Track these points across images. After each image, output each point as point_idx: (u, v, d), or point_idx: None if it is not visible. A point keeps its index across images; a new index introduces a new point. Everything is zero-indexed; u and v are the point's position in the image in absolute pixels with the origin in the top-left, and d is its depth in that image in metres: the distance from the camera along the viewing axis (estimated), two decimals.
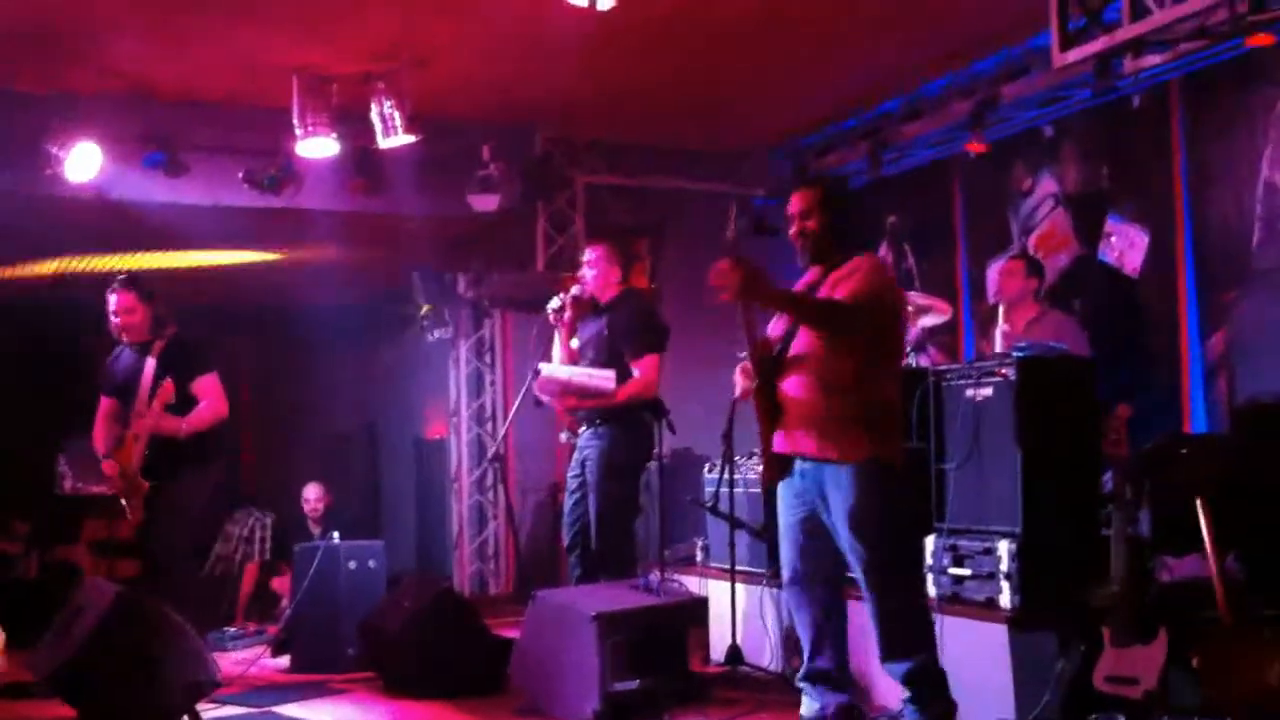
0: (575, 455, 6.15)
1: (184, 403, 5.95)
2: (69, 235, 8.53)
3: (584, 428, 6.10)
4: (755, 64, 7.56)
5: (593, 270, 6.18)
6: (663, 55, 7.35)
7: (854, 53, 7.38)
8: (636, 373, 5.96)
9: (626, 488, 5.99)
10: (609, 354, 6.04)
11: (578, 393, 5.98)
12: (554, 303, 6.16)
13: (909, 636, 4.29)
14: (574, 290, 6.16)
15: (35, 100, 7.47)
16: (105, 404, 6.22)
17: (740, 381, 4.59)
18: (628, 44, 6.97)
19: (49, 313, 10.34)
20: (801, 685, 4.52)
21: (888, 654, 4.31)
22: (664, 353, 6.13)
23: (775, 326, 4.52)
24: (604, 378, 5.90)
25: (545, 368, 6.04)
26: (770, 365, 4.43)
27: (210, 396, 6.06)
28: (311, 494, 8.69)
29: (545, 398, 6.10)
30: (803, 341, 4.37)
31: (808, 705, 4.48)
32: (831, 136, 9.02)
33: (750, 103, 8.38)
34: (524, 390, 6.39)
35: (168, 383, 5.84)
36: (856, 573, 4.32)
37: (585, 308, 6.21)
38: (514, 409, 7.01)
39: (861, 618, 4.44)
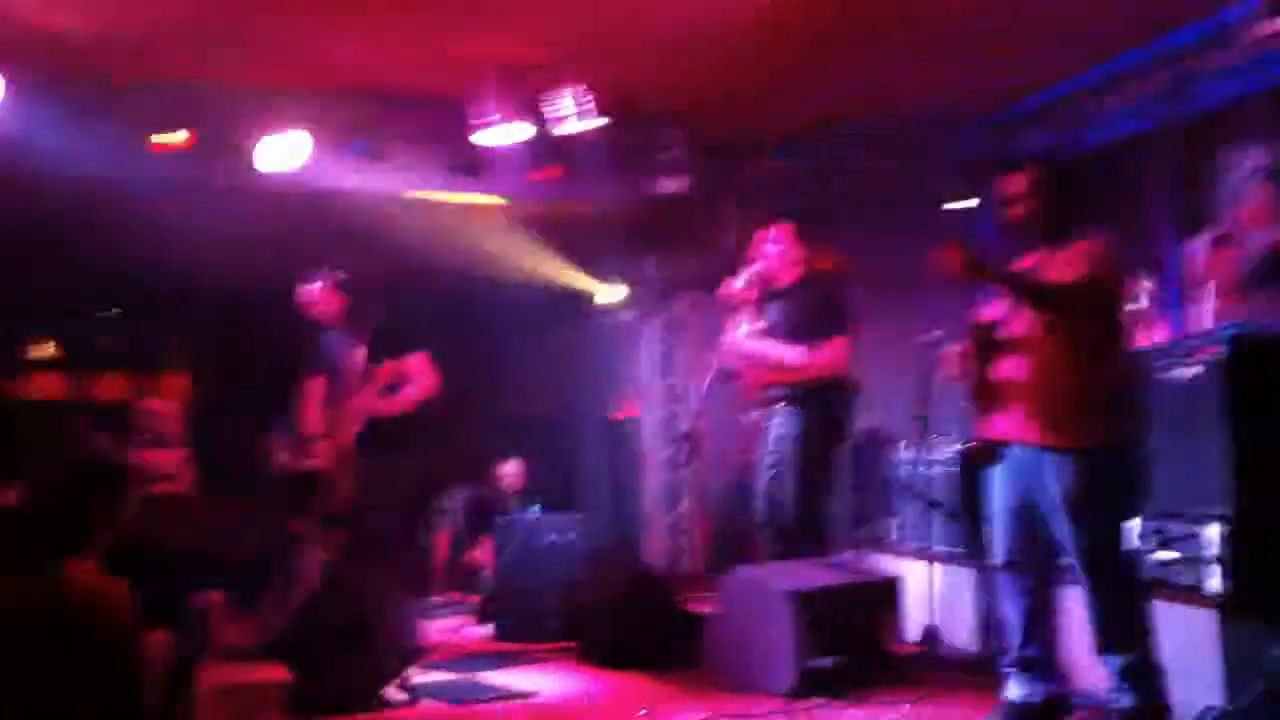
0: (768, 433, 6.18)
1: (393, 384, 6.19)
2: (272, 224, 8.90)
3: (777, 406, 6.13)
4: (943, 42, 7.43)
5: (775, 249, 6.19)
6: (847, 32, 7.28)
7: (1047, 26, 7.20)
8: (813, 352, 5.95)
9: (821, 466, 6.00)
10: (794, 337, 6.05)
11: (763, 364, 6.01)
12: (737, 282, 6.20)
13: (1126, 630, 4.19)
14: (755, 268, 6.18)
15: (247, 95, 7.80)
16: (315, 386, 6.51)
17: (949, 363, 4.56)
18: (813, 24, 6.94)
19: (254, 294, 10.83)
20: (1008, 671, 4.47)
21: (1103, 646, 4.21)
22: (850, 336, 6.10)
23: (993, 309, 4.46)
24: (792, 353, 5.93)
25: (736, 339, 6.08)
26: (988, 348, 4.39)
27: (419, 374, 6.30)
28: (510, 469, 8.94)
29: (733, 367, 6.14)
30: (1022, 324, 4.30)
31: (1015, 690, 4.43)
32: (1022, 113, 8.81)
33: (937, 81, 8.25)
34: (713, 368, 6.45)
35: (382, 366, 6.09)
36: (1073, 561, 4.24)
37: (767, 287, 6.22)
38: (703, 387, 7.06)
39: (1070, 602, 4.38)
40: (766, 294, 6.25)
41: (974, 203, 4.60)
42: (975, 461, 4.52)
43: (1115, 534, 4.27)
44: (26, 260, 10.29)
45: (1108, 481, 4.20)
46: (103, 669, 3.35)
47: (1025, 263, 4.45)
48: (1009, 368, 4.33)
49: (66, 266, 10.63)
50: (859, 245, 9.23)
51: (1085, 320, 4.20)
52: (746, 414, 6.47)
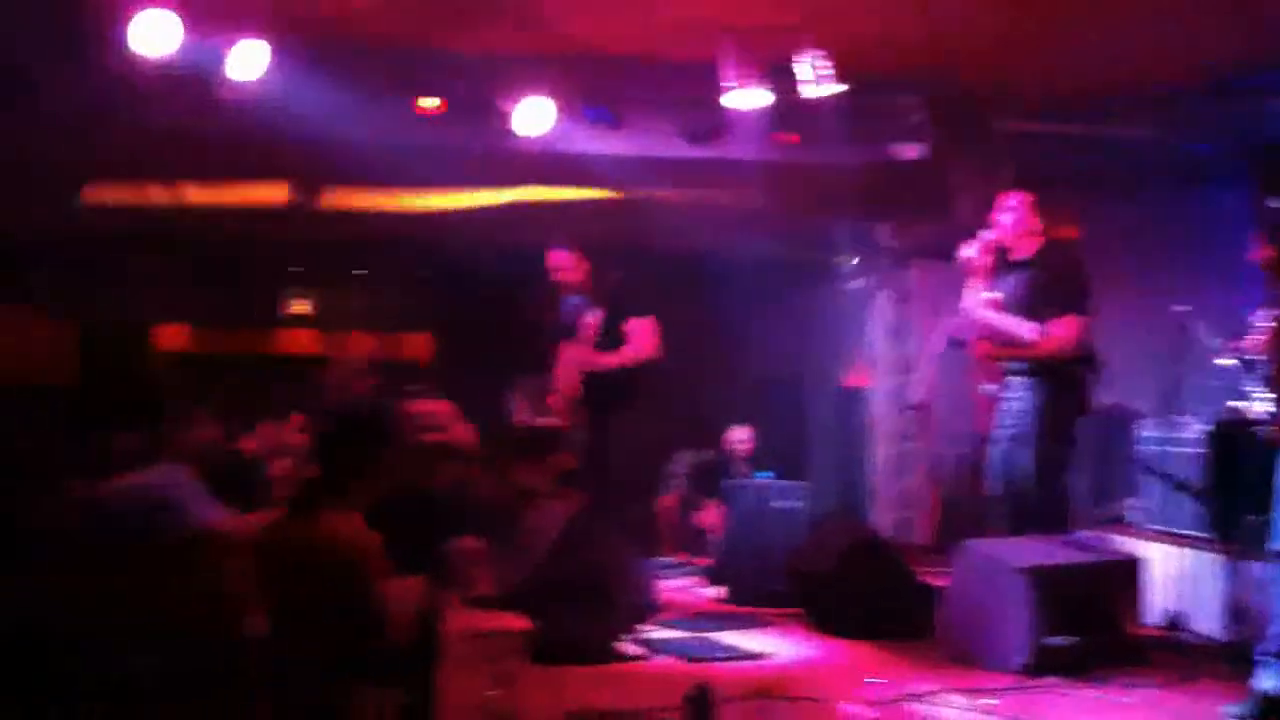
0: (1003, 406, 6.07)
1: (620, 343, 6.36)
2: (519, 185, 9.16)
3: (1013, 380, 6.01)
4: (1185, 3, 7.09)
5: (1011, 218, 6.05)
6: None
7: None
8: (1051, 327, 5.81)
9: (1061, 442, 5.86)
10: (1029, 310, 5.89)
11: (997, 337, 5.90)
12: (968, 250, 6.09)
13: None
14: (989, 235, 6.06)
15: (492, 61, 8.03)
16: (560, 346, 6.73)
17: (1259, 348, 4.46)
18: None
19: (500, 258, 11.16)
20: (1262, 659, 4.32)
21: None
22: (1086, 314, 5.93)
23: None
24: (1028, 328, 5.80)
25: (971, 309, 5.98)
26: None
27: (640, 337, 6.44)
28: (739, 435, 9.02)
29: (964, 337, 6.04)
30: None
31: (1268, 680, 4.27)
32: (1270, 78, 8.33)
33: (1181, 44, 7.87)
34: (937, 334, 6.38)
35: (590, 320, 6.27)
36: None
37: (1001, 257, 6.10)
38: (932, 355, 7.01)
39: None
40: (1002, 264, 6.13)
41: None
42: (1271, 445, 4.39)
43: None
44: (282, 221, 10.85)
45: None
46: (346, 612, 3.53)
47: None
48: None
49: (320, 227, 11.17)
50: (1107, 216, 8.98)
51: None
52: (980, 386, 6.36)
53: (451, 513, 3.83)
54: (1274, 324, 4.40)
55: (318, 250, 12.85)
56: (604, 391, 6.39)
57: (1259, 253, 4.14)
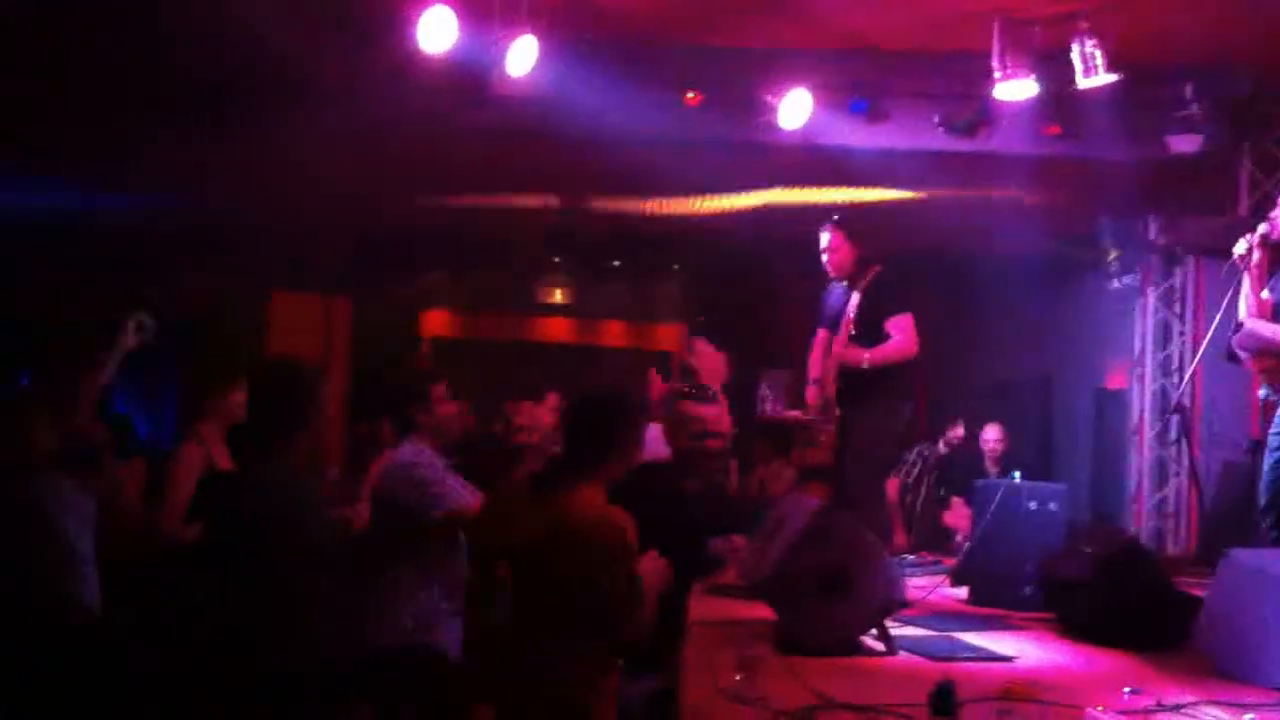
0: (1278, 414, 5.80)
1: (877, 338, 6.31)
2: (778, 175, 9.23)
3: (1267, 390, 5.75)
4: None
5: None
6: None
7: None
8: None
9: None
10: None
11: (1273, 350, 5.61)
12: (1240, 246, 5.79)
13: None
14: (1262, 229, 5.74)
15: (752, 54, 8.11)
16: (820, 335, 6.74)
17: None
18: None
19: (755, 253, 11.26)
20: None
21: None
22: None
23: None
24: None
25: (1249, 322, 5.72)
26: None
27: (901, 334, 6.37)
28: (991, 434, 8.88)
29: (1243, 354, 5.78)
30: None
31: None
32: None
33: None
34: (1207, 339, 6.11)
35: (848, 315, 6.23)
36: None
37: (1275, 252, 5.79)
38: (1197, 359, 6.73)
39: None
40: (1274, 258, 5.83)
41: None
42: None
43: None
44: (546, 213, 11.22)
45: None
46: (589, 587, 3.62)
47: None
48: None
49: (580, 217, 11.50)
50: None
51: None
52: (1254, 390, 6.09)
53: (708, 512, 3.92)
54: None
55: (577, 241, 13.23)
56: (861, 386, 6.37)
57: None
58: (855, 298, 6.42)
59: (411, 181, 10.24)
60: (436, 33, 6.79)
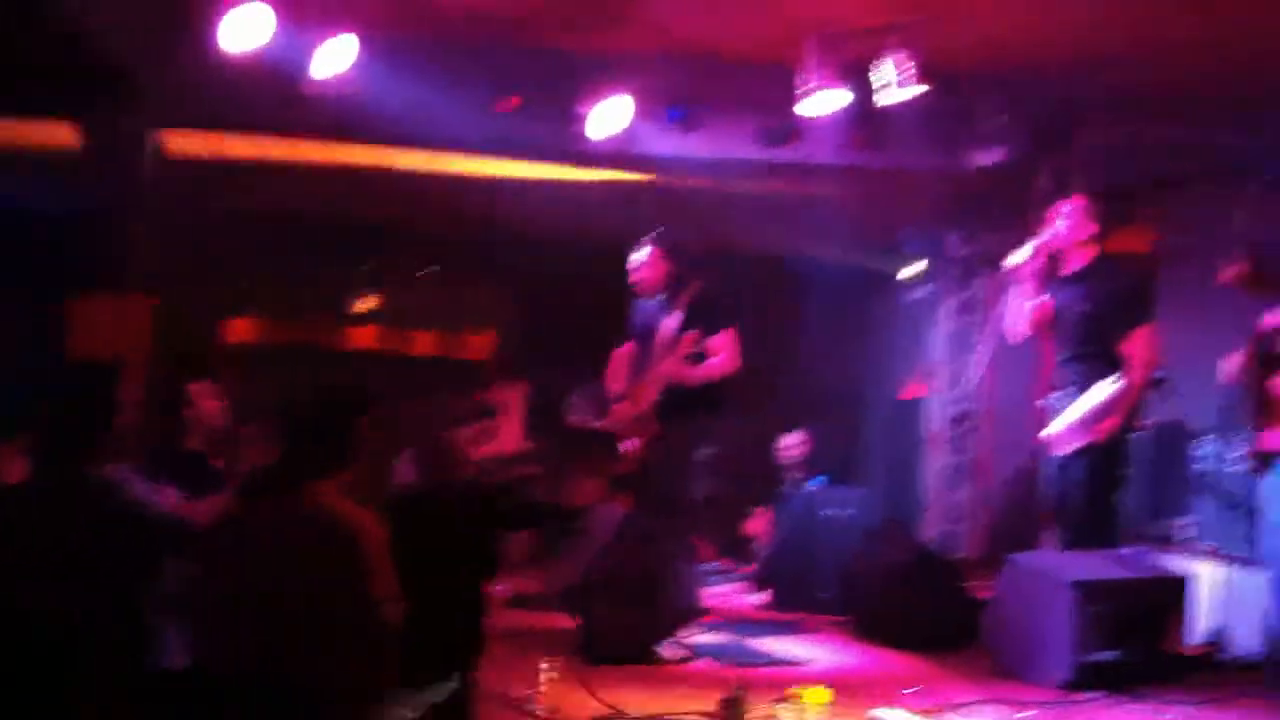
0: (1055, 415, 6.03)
1: (699, 354, 6.38)
2: (590, 185, 9.23)
3: (1071, 392, 5.96)
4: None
5: (1066, 223, 5.93)
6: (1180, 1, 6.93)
7: None
8: (1133, 352, 5.70)
9: (1113, 459, 5.82)
10: (1093, 327, 5.83)
11: (1097, 418, 5.77)
12: (1021, 253, 6.02)
13: None
14: (1042, 238, 5.96)
15: (572, 59, 8.08)
16: (624, 352, 6.75)
17: (1228, 368, 4.41)
18: None
19: (569, 256, 11.26)
20: None
21: None
22: (1153, 322, 5.86)
23: (1275, 317, 4.27)
24: (1110, 389, 5.64)
25: (1053, 427, 5.87)
26: (1265, 359, 4.22)
27: (725, 351, 6.44)
28: (792, 440, 9.03)
29: (1071, 446, 5.89)
30: None
31: None
32: None
33: (1270, 46, 7.72)
34: (987, 348, 6.31)
35: (690, 334, 6.26)
36: None
37: (1054, 264, 6.04)
38: (979, 370, 7.03)
39: None
40: (1055, 274, 6.07)
41: None
42: (1253, 469, 4.37)
43: None
44: (349, 216, 11.03)
45: None
46: (353, 586, 3.49)
47: None
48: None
49: (391, 223, 11.32)
50: (1186, 226, 8.86)
51: None
52: (1039, 398, 6.33)
53: (495, 513, 3.86)
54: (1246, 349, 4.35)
55: (386, 246, 13.05)
56: (681, 401, 6.41)
57: (1227, 271, 4.08)
58: (674, 314, 6.47)
59: (218, 180, 9.96)
60: (251, 29, 6.62)
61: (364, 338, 14.62)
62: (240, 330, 14.24)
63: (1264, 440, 4.23)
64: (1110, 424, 5.66)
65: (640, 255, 6.59)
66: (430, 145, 8.11)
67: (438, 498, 3.93)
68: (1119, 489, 5.94)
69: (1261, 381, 4.20)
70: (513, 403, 6.30)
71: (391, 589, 3.46)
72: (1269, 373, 4.20)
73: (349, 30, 6.89)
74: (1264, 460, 4.25)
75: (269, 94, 7.38)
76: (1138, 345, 5.71)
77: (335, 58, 6.84)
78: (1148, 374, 5.75)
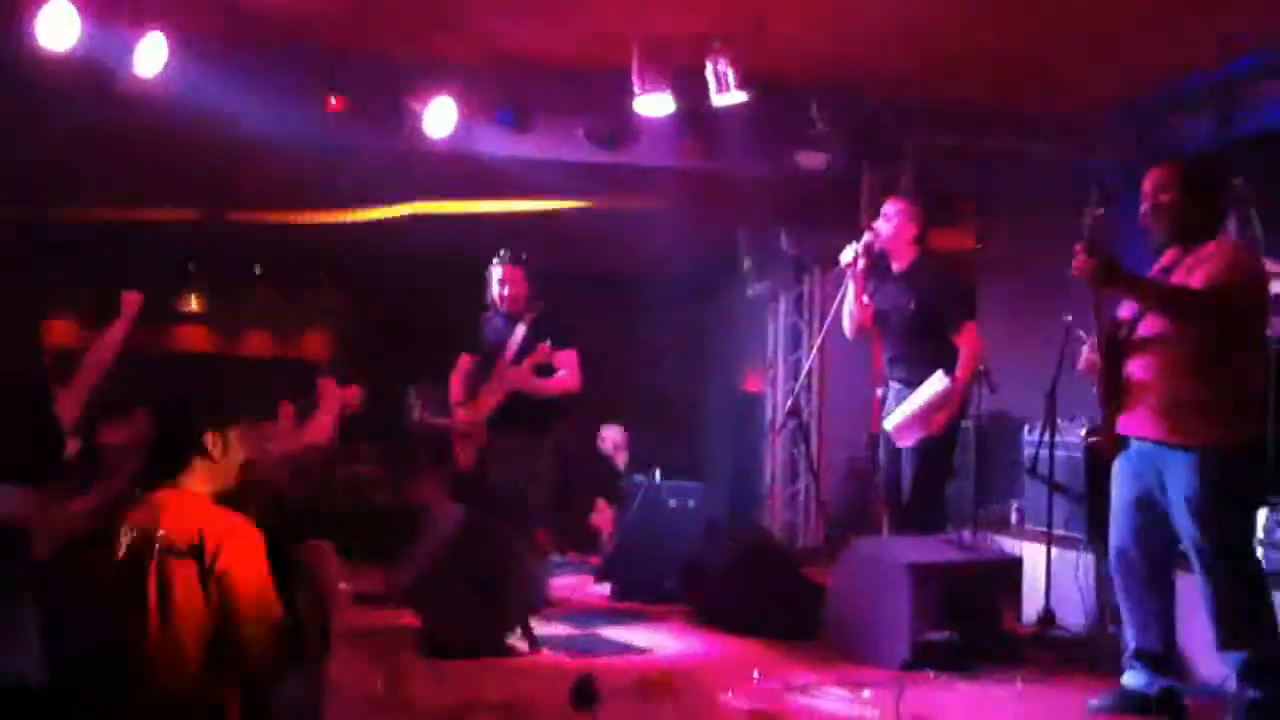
0: (889, 411, 6.21)
1: (542, 370, 6.42)
2: (426, 185, 9.16)
3: (897, 385, 6.16)
4: (1096, 21, 7.31)
5: (890, 225, 6.14)
6: (998, 15, 7.21)
7: (1203, 6, 7.05)
8: (962, 346, 5.95)
9: (941, 449, 6.01)
10: (919, 323, 6.04)
11: (930, 412, 5.96)
12: (847, 254, 6.20)
13: (1248, 626, 4.19)
14: (866, 239, 6.16)
15: (400, 65, 8.02)
16: (466, 361, 6.76)
17: (1085, 357, 4.61)
18: (962, 3, 6.89)
19: (406, 262, 11.15)
20: (1129, 664, 4.50)
21: (1222, 642, 4.22)
22: (977, 317, 6.11)
23: (1127, 308, 4.47)
24: (940, 384, 5.86)
25: (888, 424, 6.05)
26: (1117, 346, 4.41)
27: (568, 369, 6.49)
28: (611, 434, 9.13)
29: (911, 440, 6.06)
30: (1151, 324, 4.33)
31: (1132, 679, 4.46)
32: (1177, 97, 8.60)
33: (1090, 63, 8.09)
34: (818, 343, 6.49)
35: (544, 346, 6.30)
36: (1191, 556, 4.26)
37: (880, 263, 6.24)
38: (811, 362, 7.21)
39: (1189, 594, 4.40)
40: (881, 272, 6.26)
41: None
42: (1100, 456, 4.55)
43: (1238, 532, 4.29)
44: (179, 215, 10.74)
45: (1231, 481, 4.20)
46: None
47: (1164, 259, 4.45)
48: (1137, 366, 4.37)
49: (219, 223, 11.05)
50: (1007, 228, 9.20)
51: (1214, 323, 4.20)
52: (873, 390, 6.50)
53: (309, 516, 3.79)
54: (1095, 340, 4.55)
55: (216, 248, 12.73)
56: (520, 412, 6.44)
57: (1076, 264, 4.27)
58: (520, 329, 6.51)
59: (32, 182, 9.58)
60: (58, 28, 6.39)
61: (193, 338, 14.28)
62: (60, 333, 13.77)
63: (1118, 425, 4.41)
64: (942, 418, 5.87)
65: (499, 273, 6.62)
66: (259, 147, 7.93)
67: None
68: (948, 478, 6.17)
69: (1115, 369, 4.38)
70: (330, 395, 6.23)
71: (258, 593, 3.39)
72: (1120, 361, 4.39)
73: (164, 29, 6.73)
74: (1116, 443, 4.43)
75: (86, 92, 7.15)
76: (965, 340, 5.96)
77: (151, 57, 6.67)
78: (975, 367, 5.99)
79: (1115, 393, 4.39)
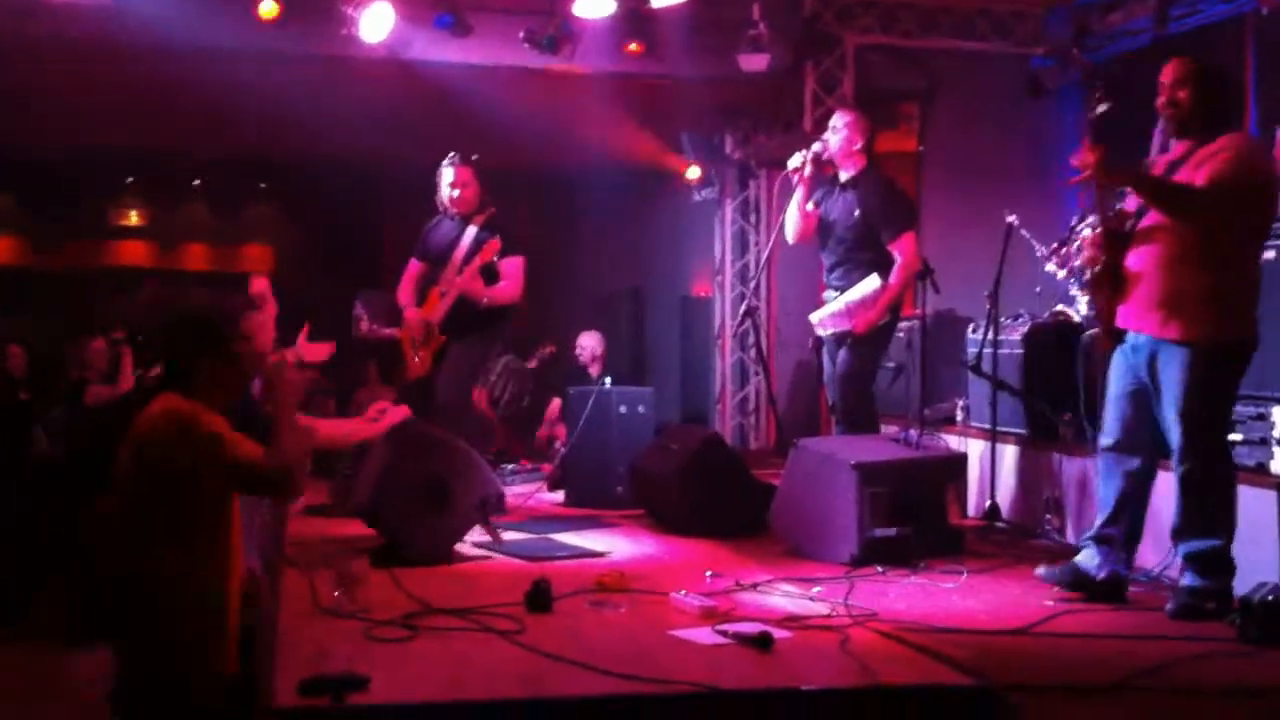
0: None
1: (488, 276, 6.40)
2: (362, 94, 9.01)
3: (833, 293, 6.24)
4: None
5: (838, 136, 6.19)
6: None
7: None
8: (898, 255, 6.06)
9: (867, 350, 6.15)
10: (862, 232, 6.14)
11: (857, 308, 6.04)
12: (795, 160, 6.25)
13: (1210, 519, 4.32)
14: (815, 148, 6.20)
15: None
16: (415, 266, 6.72)
17: (1086, 251, 4.67)
18: None
19: (349, 172, 11.01)
20: (1085, 543, 4.63)
21: (1183, 531, 4.35)
22: (917, 227, 6.21)
23: (1132, 200, 4.52)
24: (871, 286, 6.03)
25: (814, 317, 6.17)
26: (1120, 238, 4.46)
27: (513, 276, 6.48)
28: (586, 342, 9.13)
29: (830, 330, 6.18)
30: (1154, 217, 4.39)
31: (1086, 558, 4.57)
32: None
33: None
34: (770, 243, 6.53)
35: (491, 243, 6.29)
36: (1170, 444, 4.37)
37: (827, 170, 6.28)
38: (763, 262, 7.21)
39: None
40: (830, 180, 6.31)
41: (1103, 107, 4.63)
42: (1103, 347, 4.63)
43: (1219, 428, 4.40)
44: (116, 129, 10.52)
45: (1218, 377, 4.30)
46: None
47: (1173, 152, 4.49)
48: (1136, 258, 4.43)
49: (156, 136, 10.85)
50: (949, 128, 9.23)
51: (1214, 220, 4.26)
52: (820, 293, 6.54)
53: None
54: (1094, 230, 4.62)
55: (153, 161, 12.51)
56: (468, 319, 6.44)
57: (1080, 157, 4.31)
58: (470, 231, 6.46)
59: None
60: None
61: (133, 254, 14.10)
62: (3, 252, 13.56)
63: (1115, 318, 4.48)
64: (869, 316, 6.03)
65: (451, 175, 6.55)
66: (194, 55, 7.78)
67: None
68: (872, 380, 6.35)
69: (1117, 261, 4.44)
70: (267, 296, 6.24)
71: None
72: (1121, 253, 4.44)
73: None
74: (1115, 337, 4.50)
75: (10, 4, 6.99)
76: (901, 249, 6.09)
77: None
78: (908, 276, 6.11)
79: (1116, 285, 4.46)
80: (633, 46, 8.28)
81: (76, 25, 7.30)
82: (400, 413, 5.31)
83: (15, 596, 6.42)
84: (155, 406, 3.57)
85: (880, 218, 6.09)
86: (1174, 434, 4.32)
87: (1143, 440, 4.50)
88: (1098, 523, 4.60)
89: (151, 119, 9.97)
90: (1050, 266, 6.36)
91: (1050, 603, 4.48)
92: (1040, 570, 4.64)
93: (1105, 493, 4.59)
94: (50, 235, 13.82)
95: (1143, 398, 4.45)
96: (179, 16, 7.31)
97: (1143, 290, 4.39)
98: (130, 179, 13.29)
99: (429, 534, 5.04)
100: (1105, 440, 4.58)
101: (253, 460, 3.50)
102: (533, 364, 9.53)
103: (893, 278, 6.05)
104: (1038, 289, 6.79)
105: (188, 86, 8.16)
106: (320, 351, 6.63)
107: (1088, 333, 5.85)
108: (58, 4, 7.00)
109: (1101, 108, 4.48)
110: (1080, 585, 4.53)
